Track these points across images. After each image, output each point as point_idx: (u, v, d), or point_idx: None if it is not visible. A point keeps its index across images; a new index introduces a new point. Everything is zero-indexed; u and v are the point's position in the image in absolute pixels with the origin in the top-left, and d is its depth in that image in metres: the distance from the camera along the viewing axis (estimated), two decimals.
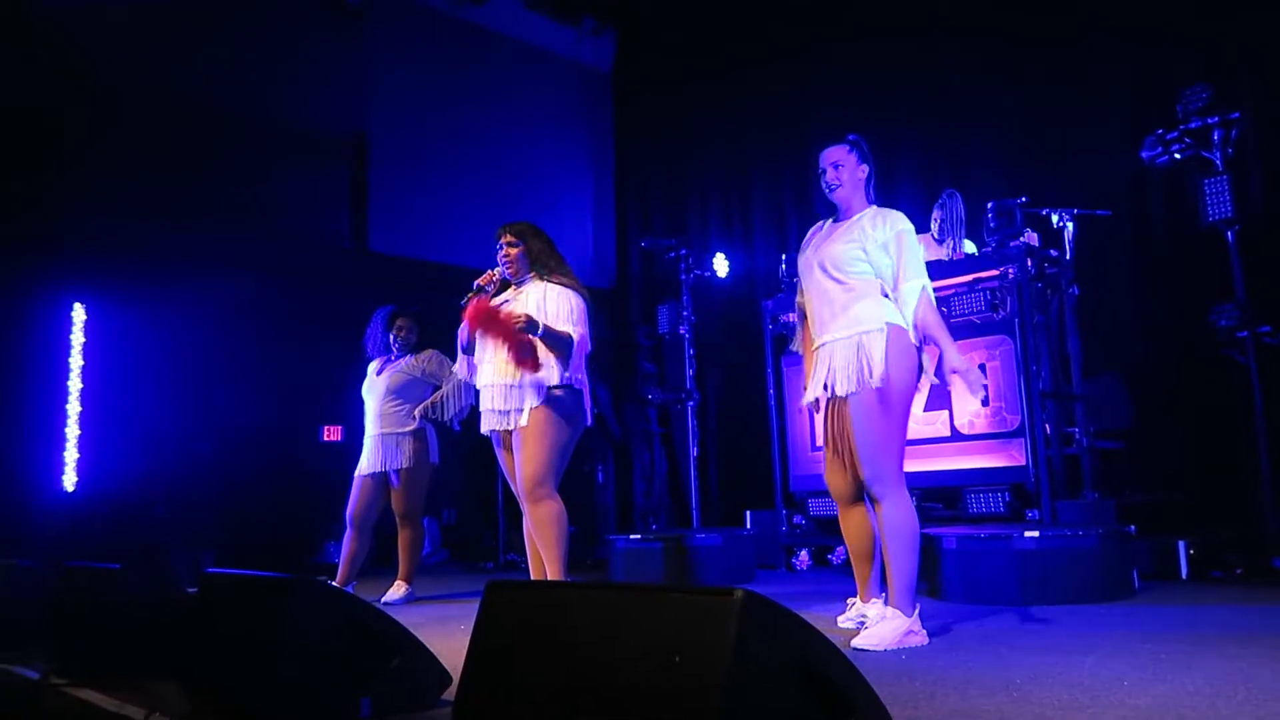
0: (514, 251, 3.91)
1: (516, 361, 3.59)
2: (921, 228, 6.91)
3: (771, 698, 1.29)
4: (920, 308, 3.08)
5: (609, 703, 1.36)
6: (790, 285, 6.10)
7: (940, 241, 5.43)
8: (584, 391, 3.78)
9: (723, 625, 1.26)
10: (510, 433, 3.70)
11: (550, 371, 3.64)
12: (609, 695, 1.37)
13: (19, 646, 3.18)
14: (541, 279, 3.83)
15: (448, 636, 3.22)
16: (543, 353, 3.61)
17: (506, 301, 3.82)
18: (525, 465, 3.63)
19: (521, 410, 3.62)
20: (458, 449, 9.11)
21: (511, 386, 3.65)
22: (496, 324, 3.60)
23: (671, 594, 1.36)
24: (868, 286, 3.13)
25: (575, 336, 3.69)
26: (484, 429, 3.81)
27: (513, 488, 3.80)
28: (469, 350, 3.91)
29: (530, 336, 3.55)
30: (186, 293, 6.87)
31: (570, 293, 3.79)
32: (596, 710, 1.39)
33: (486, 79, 9.12)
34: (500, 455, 3.86)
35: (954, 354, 3.11)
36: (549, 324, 3.64)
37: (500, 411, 3.68)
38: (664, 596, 1.37)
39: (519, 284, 3.89)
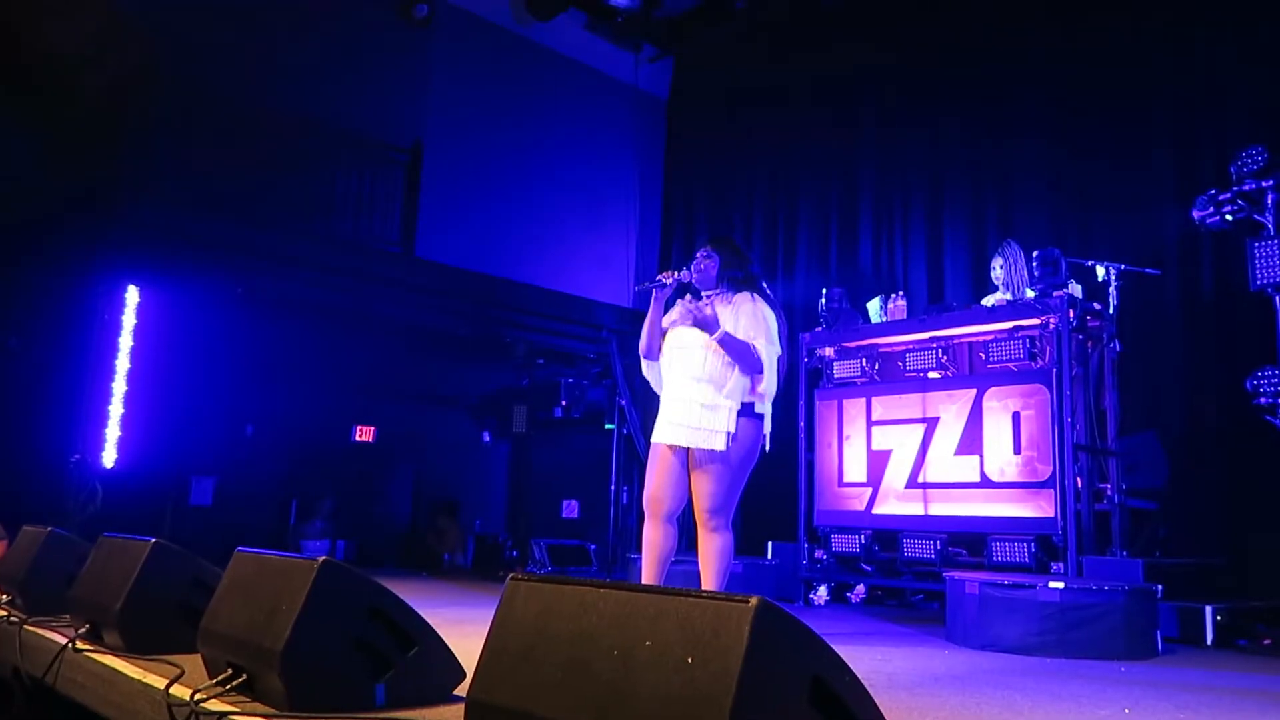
0: (707, 262, 3.74)
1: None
2: (970, 273, 6.98)
3: (781, 706, 1.31)
4: None
5: (622, 700, 1.39)
6: (829, 320, 6.12)
7: (1004, 290, 5.44)
8: (766, 417, 3.65)
9: (738, 630, 1.28)
10: (689, 450, 3.56)
11: (743, 390, 3.54)
12: (622, 694, 1.40)
13: (51, 611, 3.27)
14: (734, 293, 3.67)
15: (465, 637, 3.25)
16: (725, 370, 3.54)
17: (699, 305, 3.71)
18: (711, 495, 3.49)
19: (719, 433, 3.48)
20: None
21: (710, 407, 3.51)
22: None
23: (689, 597, 1.39)
24: None
25: (765, 353, 3.58)
26: (662, 439, 3.61)
27: (656, 494, 3.61)
28: (653, 356, 3.77)
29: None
30: (237, 284, 7.05)
31: (765, 308, 3.65)
32: (609, 708, 1.41)
33: (543, 96, 9.29)
34: (660, 465, 3.62)
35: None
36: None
37: (693, 428, 3.51)
38: (681, 599, 1.40)
39: (708, 296, 3.73)
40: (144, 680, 2.38)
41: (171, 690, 2.23)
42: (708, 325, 3.54)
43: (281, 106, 7.53)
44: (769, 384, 3.62)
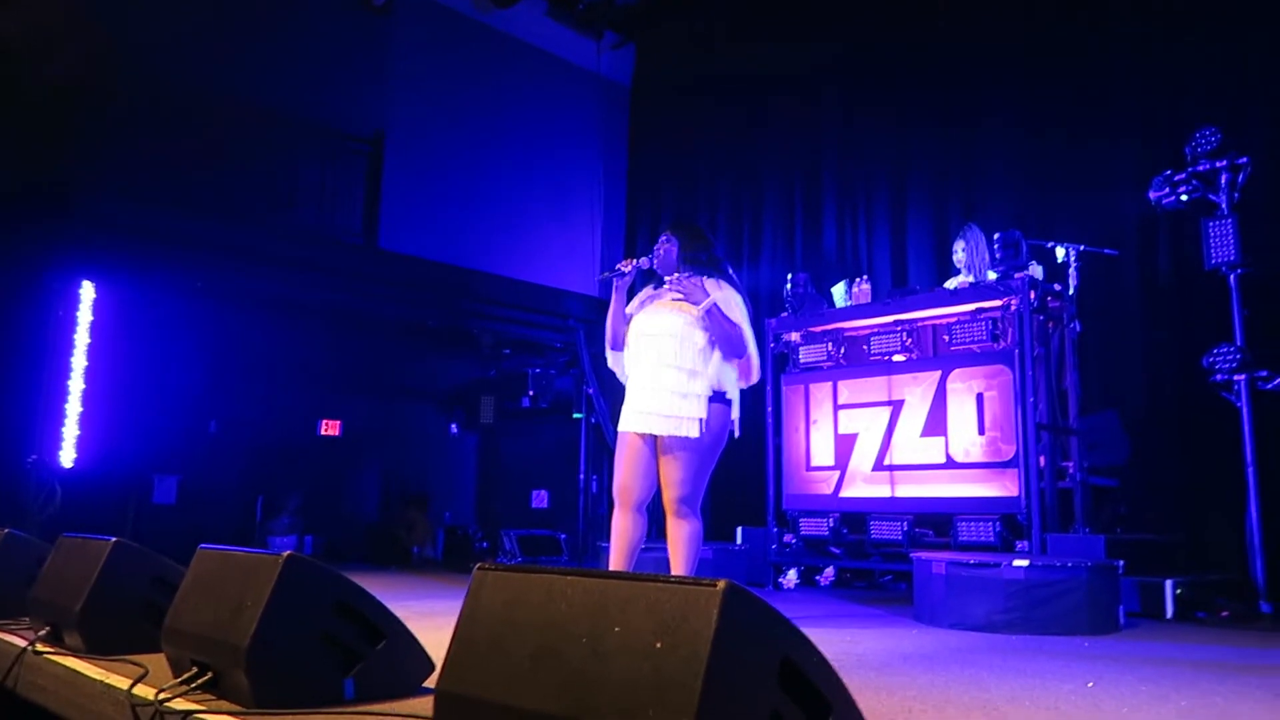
0: (667, 246, 3.70)
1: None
2: (934, 256, 7.04)
3: (751, 689, 1.32)
4: None
5: (592, 687, 1.39)
6: (795, 305, 6.15)
7: (966, 272, 5.50)
8: (734, 402, 3.62)
9: (706, 614, 1.29)
10: (658, 437, 3.53)
11: (718, 377, 3.54)
12: (592, 680, 1.40)
13: (9, 614, 3.21)
14: (700, 277, 3.62)
15: (436, 629, 3.24)
16: (697, 358, 3.52)
17: (657, 295, 3.68)
18: (681, 483, 3.47)
19: (693, 420, 3.46)
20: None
21: (682, 395, 3.48)
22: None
23: (656, 582, 1.39)
24: None
25: (746, 335, 3.57)
26: (631, 427, 3.57)
27: (627, 483, 3.58)
28: (618, 346, 3.74)
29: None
30: (196, 278, 6.94)
31: (734, 293, 3.62)
32: (579, 695, 1.41)
33: (505, 84, 9.22)
34: (630, 454, 3.58)
35: None
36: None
37: (665, 416, 3.47)
38: (650, 584, 1.39)
39: (671, 282, 3.67)
40: (107, 681, 2.34)
41: (135, 690, 2.20)
42: (694, 295, 3.50)
43: (240, 97, 7.41)
44: (755, 371, 3.63)
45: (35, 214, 6.42)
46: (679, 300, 3.56)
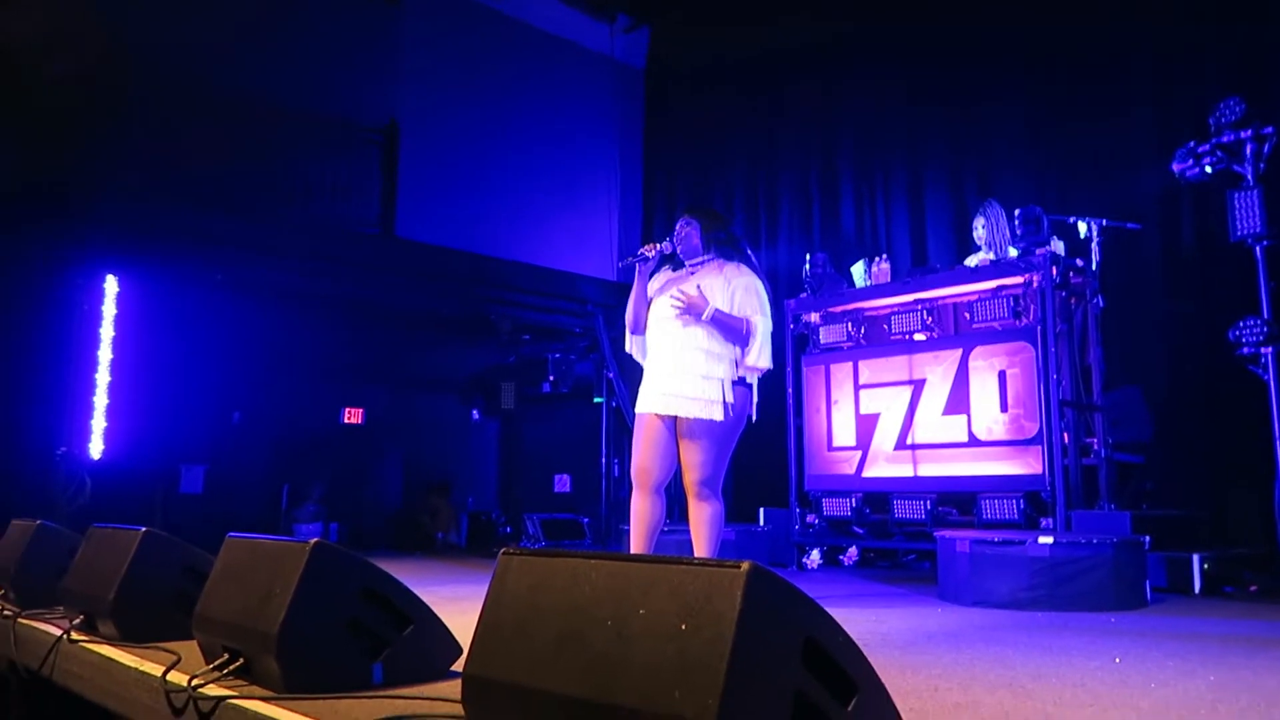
0: (688, 229, 3.70)
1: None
2: (953, 234, 6.99)
3: (776, 669, 1.32)
4: None
5: (617, 670, 1.40)
6: (814, 285, 6.12)
7: (986, 249, 5.46)
8: (753, 386, 3.65)
9: (730, 596, 1.29)
10: (679, 419, 3.54)
11: (732, 362, 3.55)
12: (617, 663, 1.41)
13: (43, 604, 3.26)
14: (721, 260, 3.65)
15: (462, 614, 3.27)
16: (720, 341, 3.54)
17: (677, 279, 3.68)
18: (703, 464, 3.49)
19: (716, 403, 3.48)
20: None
21: (707, 377, 3.50)
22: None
23: (680, 564, 1.39)
24: None
25: (762, 328, 3.58)
26: (652, 409, 3.58)
27: (646, 465, 3.59)
28: (639, 330, 3.76)
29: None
30: (216, 271, 6.99)
31: (755, 279, 3.64)
32: (604, 678, 1.42)
33: (518, 71, 9.20)
34: (648, 435, 3.59)
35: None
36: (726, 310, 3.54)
37: (690, 398, 3.49)
38: (673, 567, 1.40)
39: (693, 266, 3.72)
40: (140, 668, 2.38)
41: (168, 677, 2.23)
42: (695, 311, 3.53)
43: (255, 91, 7.44)
44: (764, 357, 3.61)
45: (57, 210, 6.49)
46: (680, 298, 3.56)
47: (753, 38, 8.62)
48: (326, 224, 7.86)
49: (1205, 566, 4.45)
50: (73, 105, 6.59)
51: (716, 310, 3.52)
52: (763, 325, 3.59)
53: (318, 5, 8.00)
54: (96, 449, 6.31)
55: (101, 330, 6.43)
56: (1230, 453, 5.37)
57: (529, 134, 9.20)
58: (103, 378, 6.39)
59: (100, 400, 6.36)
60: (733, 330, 3.55)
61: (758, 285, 3.64)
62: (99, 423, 6.34)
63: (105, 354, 6.41)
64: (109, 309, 6.50)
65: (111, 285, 6.54)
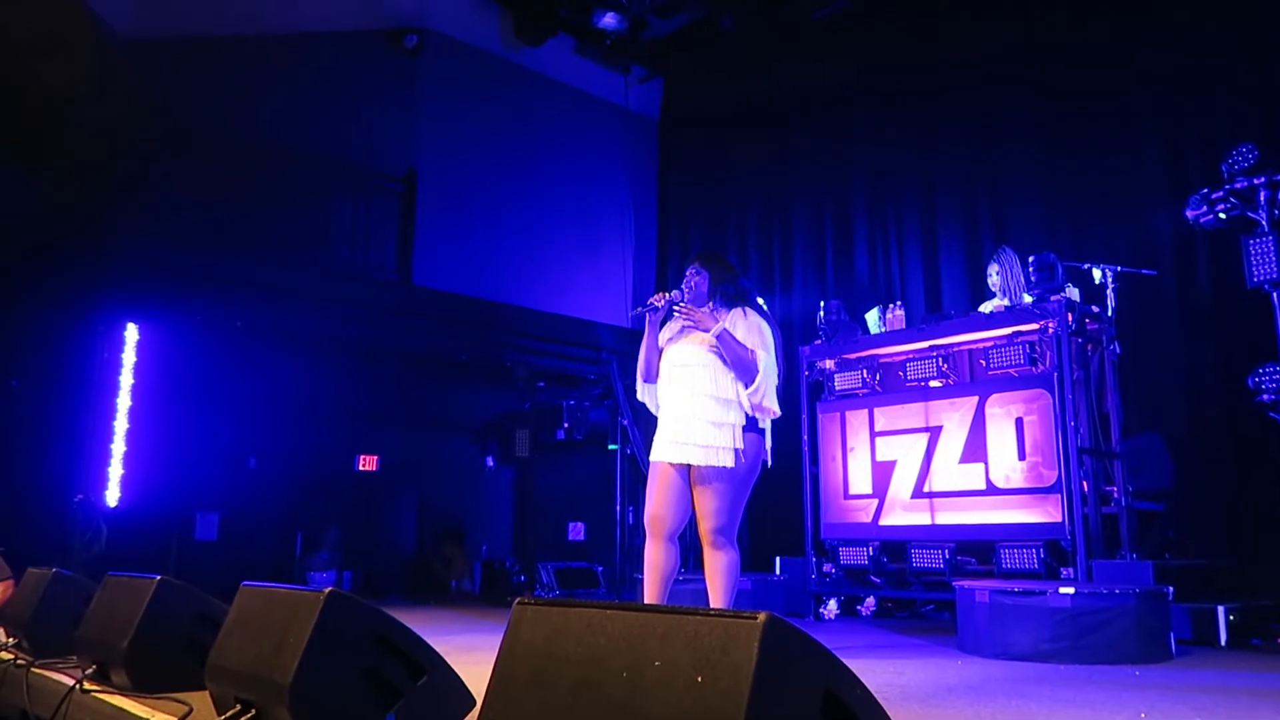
0: (698, 279, 3.72)
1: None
2: (967, 280, 7.00)
3: None
4: None
5: None
6: (828, 332, 6.12)
7: (1001, 295, 5.45)
8: (766, 431, 3.64)
9: (747, 647, 1.28)
10: (692, 467, 3.52)
11: (742, 406, 3.53)
12: (633, 715, 1.39)
13: (57, 653, 3.25)
14: (726, 310, 3.67)
15: (475, 664, 3.24)
16: (731, 385, 3.53)
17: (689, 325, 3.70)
18: (718, 513, 3.46)
19: (728, 450, 3.46)
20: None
21: (717, 424, 3.49)
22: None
23: (696, 615, 1.38)
24: None
25: (764, 362, 3.56)
26: (665, 457, 3.56)
27: (659, 513, 3.56)
28: (651, 378, 3.75)
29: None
30: (236, 318, 7.06)
31: (759, 319, 3.65)
32: None
33: (535, 121, 9.34)
34: (662, 483, 3.57)
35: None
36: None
37: (702, 446, 3.47)
38: (689, 617, 1.39)
39: (679, 311, 3.71)
40: (152, 719, 2.37)
41: None
42: (704, 323, 3.53)
43: (276, 139, 7.58)
44: (770, 396, 3.61)
45: (80, 258, 6.59)
46: (692, 329, 3.58)
47: (764, 86, 8.75)
48: (345, 271, 7.95)
49: (1231, 618, 4.36)
50: (97, 154, 6.72)
51: (724, 330, 3.53)
52: (765, 360, 3.58)
53: (339, 55, 8.17)
54: (113, 496, 6.33)
55: (121, 378, 6.49)
56: (1254, 500, 5.29)
57: (545, 183, 9.32)
58: (121, 425, 6.43)
59: (118, 448, 6.40)
60: (739, 358, 3.53)
61: (762, 324, 3.65)
62: (116, 470, 6.37)
63: (124, 401, 6.47)
64: (129, 356, 6.56)
65: (132, 333, 6.61)
